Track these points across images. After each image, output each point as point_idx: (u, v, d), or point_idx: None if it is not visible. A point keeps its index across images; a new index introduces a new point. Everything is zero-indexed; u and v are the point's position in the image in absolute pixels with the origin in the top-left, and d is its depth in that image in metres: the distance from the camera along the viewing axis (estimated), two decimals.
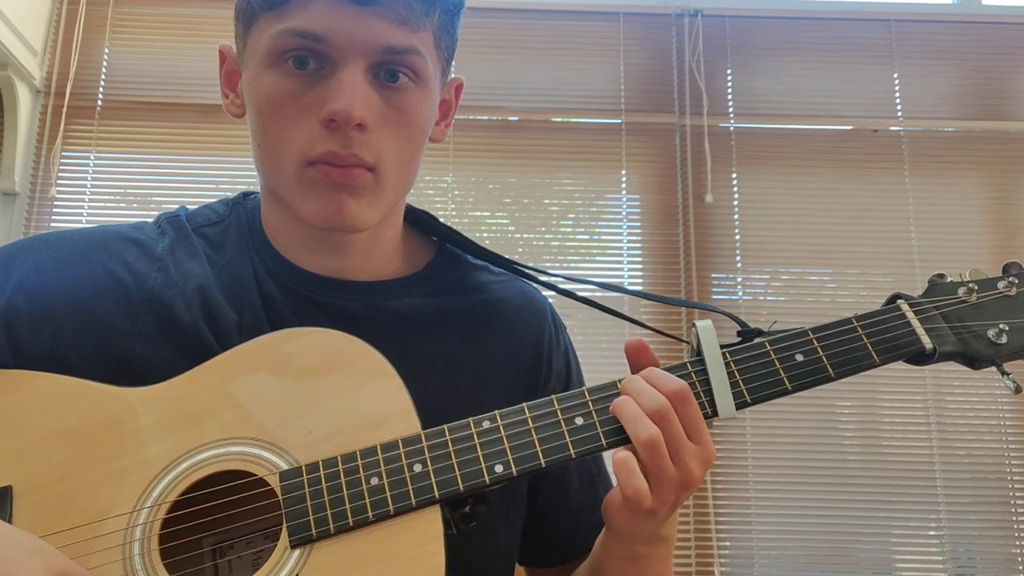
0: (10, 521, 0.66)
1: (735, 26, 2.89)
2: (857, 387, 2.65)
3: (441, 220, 0.88)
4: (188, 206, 0.88)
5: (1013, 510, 2.57)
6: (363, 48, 0.71)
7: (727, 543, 2.55)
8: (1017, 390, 0.71)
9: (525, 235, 2.78)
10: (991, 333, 0.73)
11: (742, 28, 2.89)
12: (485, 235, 2.79)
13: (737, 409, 0.69)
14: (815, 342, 0.72)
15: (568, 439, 0.68)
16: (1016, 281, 0.75)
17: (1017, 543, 2.56)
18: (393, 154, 0.75)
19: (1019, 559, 2.54)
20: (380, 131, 0.73)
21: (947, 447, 2.60)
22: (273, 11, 0.72)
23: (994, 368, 0.74)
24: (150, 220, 0.85)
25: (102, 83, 2.78)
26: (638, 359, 0.72)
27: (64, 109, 2.72)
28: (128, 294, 0.76)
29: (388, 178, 0.75)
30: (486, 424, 0.69)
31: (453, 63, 0.83)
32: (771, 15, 2.90)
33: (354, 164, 0.73)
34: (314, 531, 0.65)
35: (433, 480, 0.66)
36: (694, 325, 0.72)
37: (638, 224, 2.78)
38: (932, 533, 2.57)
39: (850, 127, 2.85)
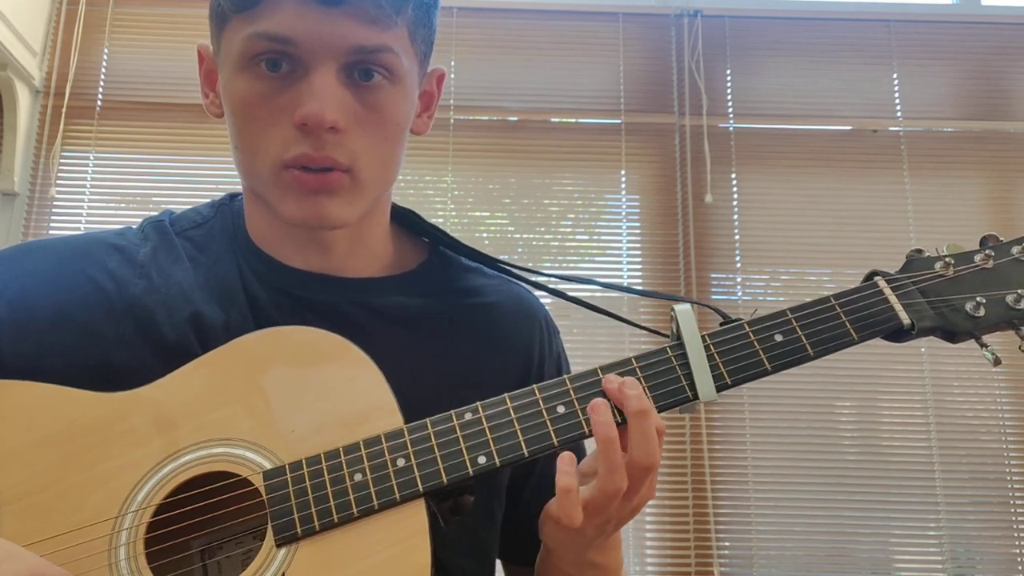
0: None
1: (734, 26, 2.89)
2: (856, 387, 2.65)
3: (429, 220, 0.88)
4: (175, 209, 0.87)
5: (1013, 510, 2.57)
6: (333, 49, 0.71)
7: (726, 543, 2.55)
8: (996, 362, 0.71)
9: (525, 235, 2.78)
10: (969, 306, 0.72)
11: (741, 28, 2.89)
12: (484, 235, 2.79)
13: (718, 391, 0.69)
14: (793, 322, 0.72)
15: (551, 428, 0.68)
16: (993, 253, 0.75)
17: (1017, 543, 2.55)
18: (370, 153, 0.74)
19: (1019, 559, 2.54)
20: (355, 132, 0.73)
21: (946, 447, 2.60)
22: (243, 14, 0.71)
23: (975, 343, 0.73)
24: (134, 226, 0.85)
25: (101, 83, 2.78)
26: None
27: (63, 109, 2.72)
28: (109, 300, 0.76)
29: (366, 176, 0.75)
30: (468, 416, 0.69)
31: (437, 55, 0.83)
32: (771, 15, 2.90)
33: (328, 167, 0.72)
34: (299, 529, 0.65)
35: (416, 474, 0.66)
36: (672, 309, 0.72)
37: (637, 224, 2.77)
38: (931, 533, 2.57)
39: (849, 127, 2.84)
